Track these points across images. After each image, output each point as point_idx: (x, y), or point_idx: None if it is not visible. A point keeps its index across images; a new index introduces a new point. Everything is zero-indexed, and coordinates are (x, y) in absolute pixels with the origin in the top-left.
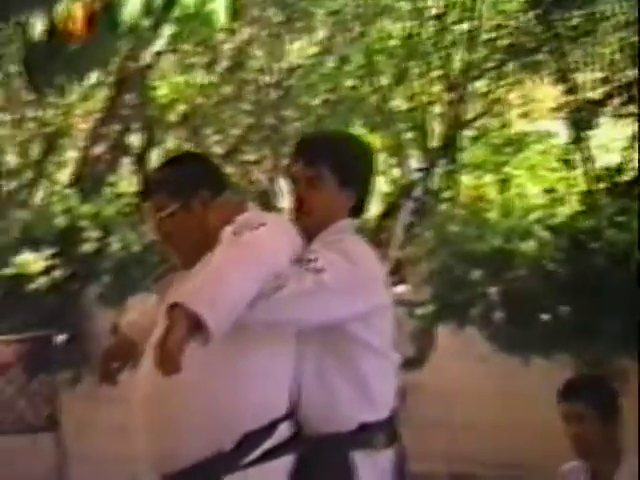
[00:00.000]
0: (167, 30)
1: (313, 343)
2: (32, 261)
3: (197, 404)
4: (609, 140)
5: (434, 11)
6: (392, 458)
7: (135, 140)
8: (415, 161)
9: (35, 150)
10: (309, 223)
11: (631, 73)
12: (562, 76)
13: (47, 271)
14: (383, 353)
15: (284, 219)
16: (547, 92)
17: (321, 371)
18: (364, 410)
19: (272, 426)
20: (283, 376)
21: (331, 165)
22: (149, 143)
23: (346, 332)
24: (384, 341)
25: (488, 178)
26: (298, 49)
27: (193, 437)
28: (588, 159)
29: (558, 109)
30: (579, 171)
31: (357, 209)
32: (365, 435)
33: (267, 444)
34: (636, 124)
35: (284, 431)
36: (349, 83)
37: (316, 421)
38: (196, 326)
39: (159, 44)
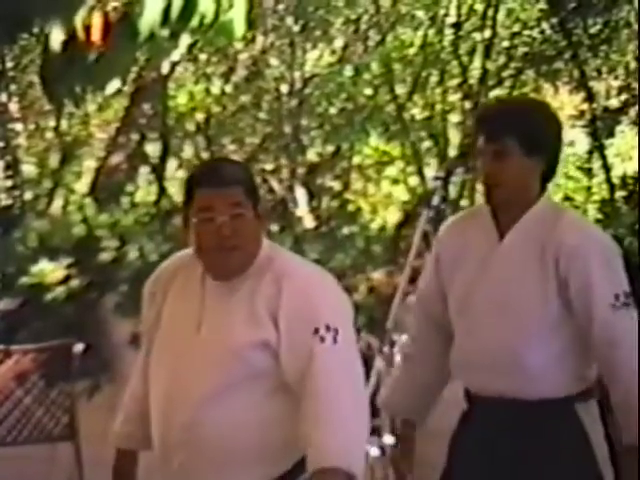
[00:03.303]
0: (185, 40)
1: None
2: (50, 270)
3: (252, 439)
4: (628, 148)
5: (452, 19)
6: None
7: (152, 149)
8: (433, 170)
9: (53, 160)
10: (500, 197)
11: None
12: (580, 84)
13: (65, 280)
14: None
15: (335, 285)
16: (565, 100)
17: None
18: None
19: None
20: None
21: (515, 136)
22: (166, 152)
23: None
24: None
25: None
26: (315, 58)
27: (245, 470)
28: (606, 167)
29: (576, 117)
30: (597, 179)
31: (548, 176)
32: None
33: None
34: None
35: None
36: (366, 92)
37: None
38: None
39: (177, 54)
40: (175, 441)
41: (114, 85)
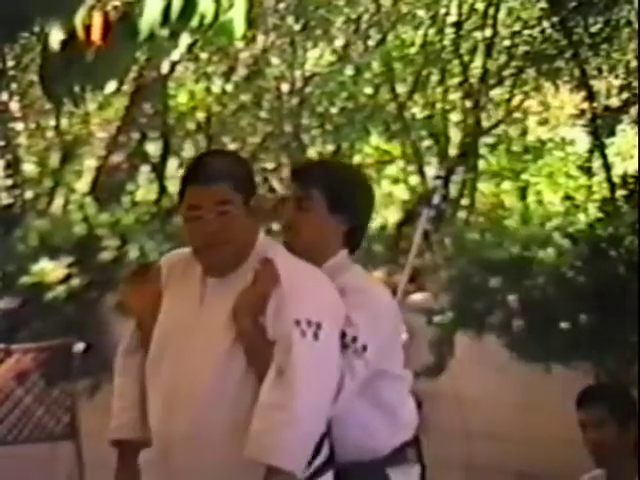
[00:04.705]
0: (185, 39)
1: None
2: (50, 269)
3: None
4: (629, 147)
5: (452, 18)
6: (419, 471)
7: (153, 148)
8: (433, 169)
9: (53, 159)
10: (298, 245)
11: None
12: (581, 83)
13: (65, 279)
14: (400, 376)
15: (327, 283)
16: (566, 99)
17: (352, 408)
18: (395, 435)
19: (320, 443)
20: None
21: (321, 188)
22: (167, 151)
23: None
24: (400, 363)
25: (507, 185)
26: (316, 57)
27: (249, 470)
28: (607, 166)
29: (577, 116)
30: (598, 178)
31: (352, 240)
32: (398, 455)
33: (317, 461)
34: None
35: (326, 448)
36: (367, 91)
37: (351, 453)
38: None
39: (177, 53)
40: (178, 436)
41: (114, 85)
